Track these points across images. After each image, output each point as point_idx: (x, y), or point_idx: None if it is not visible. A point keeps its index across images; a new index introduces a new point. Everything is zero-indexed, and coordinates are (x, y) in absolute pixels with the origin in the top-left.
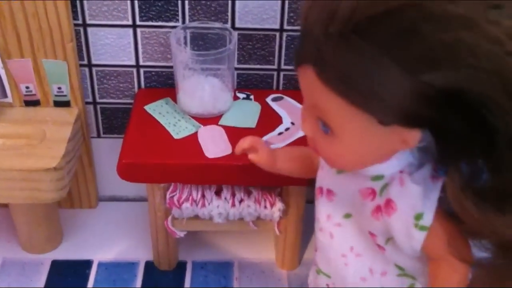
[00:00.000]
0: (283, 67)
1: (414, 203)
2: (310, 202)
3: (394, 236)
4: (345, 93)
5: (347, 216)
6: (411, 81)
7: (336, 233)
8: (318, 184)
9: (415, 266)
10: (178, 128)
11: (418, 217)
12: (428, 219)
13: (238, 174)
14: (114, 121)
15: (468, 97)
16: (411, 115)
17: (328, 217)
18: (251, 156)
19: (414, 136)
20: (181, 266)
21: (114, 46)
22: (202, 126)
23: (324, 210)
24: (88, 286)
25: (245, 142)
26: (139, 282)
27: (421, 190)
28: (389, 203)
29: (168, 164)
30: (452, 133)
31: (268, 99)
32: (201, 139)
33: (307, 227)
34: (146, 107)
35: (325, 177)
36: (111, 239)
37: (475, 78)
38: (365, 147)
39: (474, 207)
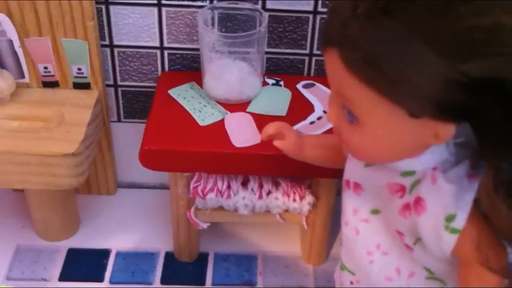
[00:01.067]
0: (315, 52)
1: (446, 203)
2: (340, 194)
3: (422, 237)
4: (371, 80)
5: (375, 211)
6: (444, 67)
7: (362, 229)
8: (345, 176)
9: (444, 269)
10: (204, 114)
11: (450, 218)
12: (460, 221)
13: (266, 164)
14: (136, 105)
15: (508, 86)
16: (444, 106)
17: (355, 211)
18: (277, 143)
19: (448, 130)
20: (203, 257)
21: (137, 26)
22: (229, 112)
23: (351, 204)
24: (106, 276)
25: (271, 128)
26: (158, 273)
27: (454, 189)
28: (418, 201)
29: (193, 152)
30: (491, 126)
31: (299, 86)
32: (228, 126)
33: (335, 220)
34: (170, 91)
35: (352, 169)
36: (129, 227)
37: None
38: (392, 140)
39: (504, 207)
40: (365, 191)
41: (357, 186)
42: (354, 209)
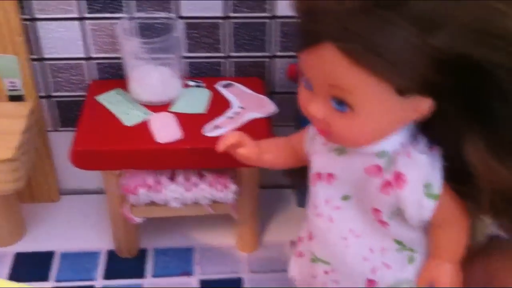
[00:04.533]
0: (231, 54)
1: (423, 173)
2: (264, 187)
3: (404, 208)
4: (369, 64)
5: (346, 198)
6: (422, 42)
7: (336, 217)
8: (315, 169)
9: (415, 238)
10: (130, 116)
11: (428, 186)
12: (437, 186)
13: (190, 158)
14: (70, 114)
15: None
16: (426, 81)
17: (327, 201)
18: (241, 151)
19: (427, 104)
20: (143, 253)
21: (64, 39)
22: (153, 113)
23: (322, 195)
24: (51, 276)
25: (232, 137)
26: (101, 270)
27: (427, 159)
28: (399, 176)
29: (120, 151)
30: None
31: (219, 86)
32: (152, 125)
33: (264, 211)
34: (98, 97)
35: (323, 161)
36: (73, 230)
37: (481, 42)
38: (383, 120)
39: (500, 164)
40: (338, 179)
41: (330, 176)
42: (326, 199)
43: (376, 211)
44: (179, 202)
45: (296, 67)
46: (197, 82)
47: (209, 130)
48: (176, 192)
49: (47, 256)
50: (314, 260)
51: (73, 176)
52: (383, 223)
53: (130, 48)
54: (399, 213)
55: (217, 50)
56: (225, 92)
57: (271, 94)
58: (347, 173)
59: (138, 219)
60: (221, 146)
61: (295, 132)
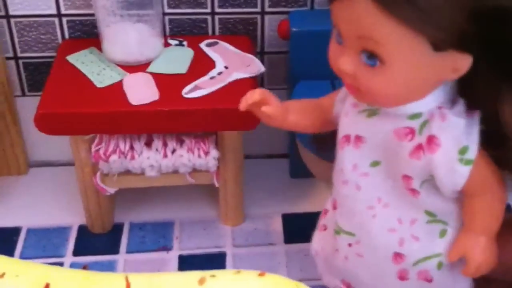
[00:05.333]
0: (217, 10)
1: (458, 137)
2: (248, 157)
3: (436, 174)
4: (404, 14)
5: (375, 164)
6: None
7: (363, 184)
8: (343, 132)
9: (448, 209)
10: (102, 77)
11: (463, 151)
12: (472, 152)
13: (167, 121)
14: (39, 76)
15: None
16: (462, 34)
17: (355, 167)
18: (266, 109)
19: (466, 62)
20: (117, 228)
21: None
22: (128, 74)
23: (350, 159)
24: (16, 253)
25: (255, 94)
26: (70, 246)
27: (463, 123)
28: (432, 139)
29: (90, 113)
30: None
31: (202, 45)
32: (126, 86)
33: (253, 182)
34: (69, 57)
35: (352, 123)
36: (42, 205)
37: None
38: (415, 76)
39: None
40: (367, 143)
41: (358, 139)
42: (353, 164)
43: (407, 178)
44: (155, 170)
45: (288, 24)
46: (179, 40)
47: (189, 91)
48: (152, 159)
49: (12, 232)
50: (338, 231)
51: (43, 146)
52: (413, 191)
53: (104, 2)
54: (431, 181)
55: (201, 5)
56: (209, 51)
57: (260, 54)
58: (376, 136)
59: (110, 190)
60: (243, 105)
61: (288, 95)
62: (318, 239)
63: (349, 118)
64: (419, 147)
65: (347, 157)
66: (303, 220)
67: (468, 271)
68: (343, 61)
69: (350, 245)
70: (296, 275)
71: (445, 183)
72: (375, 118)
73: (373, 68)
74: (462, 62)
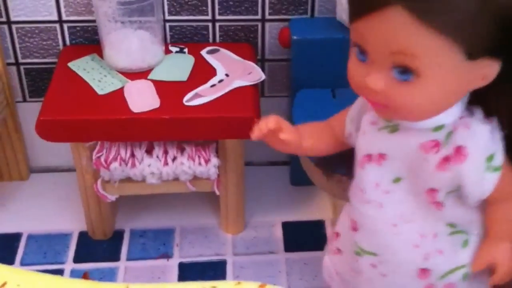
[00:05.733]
0: (218, 17)
1: (485, 144)
2: (249, 164)
3: (465, 184)
4: (439, 23)
5: (397, 180)
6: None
7: (386, 201)
8: (363, 151)
9: (469, 218)
10: (103, 84)
11: (490, 158)
12: (499, 159)
13: (168, 129)
14: (40, 83)
15: None
16: (494, 40)
17: (377, 185)
18: (283, 136)
19: (494, 70)
20: (118, 235)
21: (33, 0)
22: (129, 81)
23: (372, 178)
24: (17, 259)
25: (270, 123)
26: (71, 252)
27: (488, 129)
28: (459, 150)
29: (91, 120)
30: None
31: (203, 52)
32: (127, 94)
33: (253, 189)
34: (70, 64)
35: (373, 141)
36: (43, 211)
37: None
38: (451, 87)
39: None
40: (389, 160)
41: (381, 156)
42: (376, 182)
43: (432, 191)
44: (156, 178)
45: (288, 32)
46: (180, 47)
47: (190, 99)
48: (153, 167)
49: (13, 238)
50: (359, 253)
51: (44, 152)
52: (437, 204)
53: (106, 9)
54: (455, 192)
55: (202, 12)
56: (210, 58)
57: (261, 61)
58: (400, 152)
59: (111, 197)
60: (257, 134)
61: (289, 104)
62: (332, 263)
63: (369, 136)
64: (446, 159)
65: (370, 176)
66: (303, 228)
67: (497, 278)
68: (372, 79)
69: (373, 265)
70: (296, 283)
71: (473, 192)
72: (398, 133)
73: (405, 83)
74: (491, 69)
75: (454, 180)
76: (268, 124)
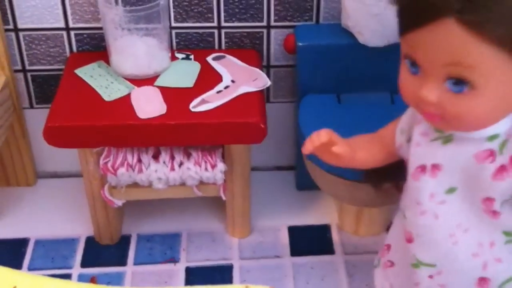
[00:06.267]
0: (223, 24)
1: None
2: (254, 169)
3: None
4: (495, 33)
5: (451, 190)
6: None
7: (441, 212)
8: (417, 163)
9: None
10: (110, 90)
11: None
12: None
13: (175, 135)
14: (47, 89)
15: None
16: None
17: (431, 196)
18: (336, 149)
19: None
20: (125, 240)
21: (40, 8)
22: (136, 87)
23: (427, 189)
24: (24, 264)
25: (322, 136)
26: (78, 257)
27: None
28: None
29: (98, 127)
30: None
31: (209, 58)
32: (134, 100)
33: (259, 194)
34: (77, 71)
35: (426, 152)
36: (50, 216)
37: None
38: (506, 96)
39: None
40: (444, 170)
41: (435, 167)
42: (430, 193)
43: (488, 200)
44: (163, 183)
45: (294, 38)
46: (186, 54)
47: (196, 105)
48: (160, 172)
49: (21, 243)
50: (416, 265)
51: (51, 157)
52: (494, 213)
53: (112, 16)
54: (511, 200)
55: (207, 19)
56: (215, 65)
57: (266, 67)
58: (455, 162)
59: (118, 202)
60: (309, 147)
61: (295, 109)
62: (385, 277)
63: (422, 148)
64: (502, 168)
65: (424, 187)
66: (309, 233)
67: None
68: (427, 91)
69: (431, 276)
70: (302, 287)
71: None
72: (451, 144)
73: (459, 95)
74: None
75: (510, 189)
76: (320, 138)
